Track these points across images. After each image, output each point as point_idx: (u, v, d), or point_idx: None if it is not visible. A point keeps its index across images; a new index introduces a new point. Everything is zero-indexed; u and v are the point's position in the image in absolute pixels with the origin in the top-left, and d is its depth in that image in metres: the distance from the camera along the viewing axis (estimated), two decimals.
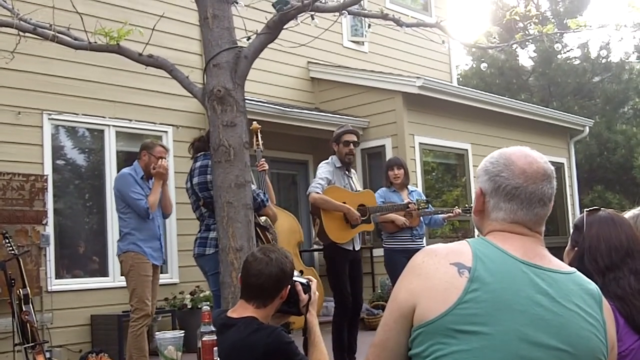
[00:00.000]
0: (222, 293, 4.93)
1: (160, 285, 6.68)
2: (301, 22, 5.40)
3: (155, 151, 6.30)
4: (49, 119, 8.21)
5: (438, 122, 11.30)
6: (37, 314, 7.11)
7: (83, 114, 8.51)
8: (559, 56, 20.76)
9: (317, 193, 6.37)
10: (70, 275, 8.42)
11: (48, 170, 8.09)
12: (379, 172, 9.43)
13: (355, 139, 6.61)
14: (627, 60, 20.85)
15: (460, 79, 19.69)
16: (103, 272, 8.58)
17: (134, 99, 8.96)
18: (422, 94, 10.74)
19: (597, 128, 17.71)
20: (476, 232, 2.26)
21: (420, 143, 11.00)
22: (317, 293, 3.22)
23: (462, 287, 1.72)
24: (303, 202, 11.27)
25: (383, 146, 10.86)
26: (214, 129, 4.93)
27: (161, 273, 6.84)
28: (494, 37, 19.51)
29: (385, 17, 5.76)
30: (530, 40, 18.70)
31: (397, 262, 6.83)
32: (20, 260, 6.60)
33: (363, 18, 9.29)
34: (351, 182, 6.69)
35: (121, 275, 8.31)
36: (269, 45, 5.23)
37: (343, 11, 5.55)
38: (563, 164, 14.20)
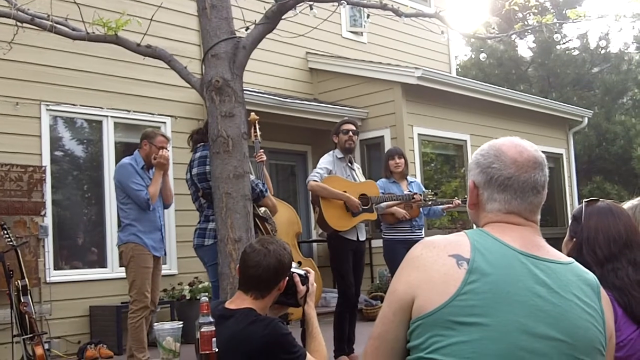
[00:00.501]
0: (220, 284, 4.93)
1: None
2: (300, 12, 5.39)
3: (156, 141, 6.26)
4: (47, 109, 8.19)
5: (437, 113, 11.29)
6: (36, 305, 7.12)
7: (81, 105, 8.49)
8: (558, 47, 20.73)
9: (315, 181, 6.39)
10: (68, 267, 8.42)
11: (46, 161, 8.08)
12: (378, 163, 9.43)
13: (354, 128, 6.66)
14: (626, 51, 20.82)
15: (459, 70, 19.66)
16: (102, 263, 8.58)
17: (132, 90, 8.94)
18: (421, 85, 10.72)
19: (596, 119, 17.70)
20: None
21: (419, 134, 10.99)
22: (315, 284, 3.21)
23: (460, 279, 1.72)
24: (302, 193, 11.27)
25: (382, 137, 10.85)
26: (213, 120, 4.93)
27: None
28: (493, 28, 19.44)
29: (384, 7, 5.75)
30: (530, 31, 18.66)
31: (396, 252, 6.83)
32: (19, 251, 6.60)
33: (362, 8, 9.27)
34: (354, 174, 6.71)
35: (120, 266, 8.38)
36: (267, 36, 5.23)
37: (342, 1, 5.54)
38: (562, 154, 14.20)
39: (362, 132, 10.88)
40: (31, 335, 6.34)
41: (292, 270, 3.14)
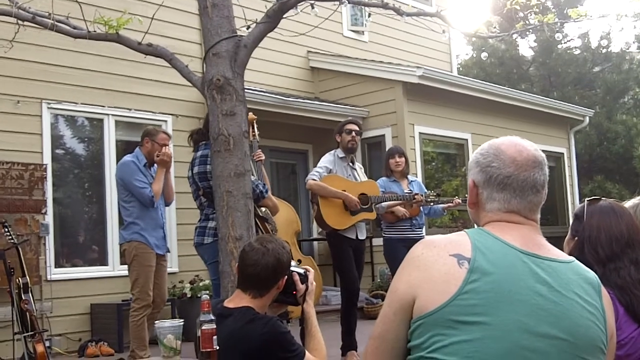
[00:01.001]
0: (221, 282, 4.93)
1: None
2: (301, 11, 5.39)
3: (158, 138, 6.25)
4: (48, 108, 8.20)
5: (438, 112, 11.29)
6: (37, 302, 7.12)
7: (82, 103, 8.50)
8: (559, 46, 20.72)
9: (314, 180, 6.41)
10: (69, 264, 8.43)
11: (47, 159, 8.09)
12: (379, 161, 9.43)
13: (357, 128, 6.68)
14: (627, 50, 20.82)
15: (461, 69, 19.66)
16: (102, 261, 8.59)
17: (133, 88, 8.95)
18: (422, 84, 10.72)
19: (597, 118, 17.70)
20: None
21: (420, 133, 10.99)
22: (314, 283, 3.21)
23: (461, 278, 1.72)
24: (302, 192, 11.27)
25: (383, 136, 10.85)
26: (214, 118, 4.93)
27: None
28: (495, 27, 19.45)
29: (385, 6, 5.74)
30: (531, 30, 18.65)
31: (396, 251, 6.84)
32: (20, 249, 6.60)
33: (363, 7, 9.27)
34: (355, 173, 6.71)
35: (121, 264, 8.39)
36: (268, 35, 5.22)
37: (343, 0, 5.53)
38: (563, 154, 14.20)
39: (363, 131, 10.89)
40: (32, 332, 6.34)
41: (292, 268, 3.14)
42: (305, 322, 3.18)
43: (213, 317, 2.71)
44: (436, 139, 11.68)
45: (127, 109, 8.90)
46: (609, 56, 20.54)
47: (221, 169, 4.89)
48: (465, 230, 1.85)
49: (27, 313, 6.36)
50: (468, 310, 1.69)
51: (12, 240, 6.57)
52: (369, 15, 6.82)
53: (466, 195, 2.02)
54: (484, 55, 21.79)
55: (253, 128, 6.43)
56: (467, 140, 11.90)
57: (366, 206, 6.57)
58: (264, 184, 5.53)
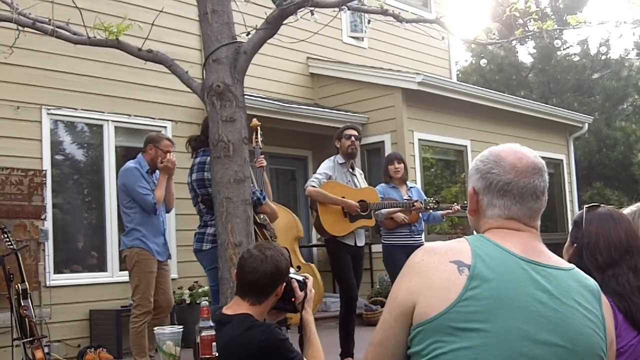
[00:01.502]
0: (220, 288, 4.93)
1: None
2: (301, 17, 5.40)
3: (162, 145, 6.25)
4: (47, 113, 8.20)
5: (437, 118, 11.30)
6: (36, 308, 7.12)
7: (82, 109, 8.50)
8: (558, 53, 20.74)
9: (313, 187, 6.42)
10: (68, 270, 8.41)
11: (47, 165, 8.08)
12: (378, 167, 9.43)
13: (357, 133, 6.69)
14: (626, 57, 20.83)
15: (460, 75, 19.68)
16: (102, 267, 8.58)
17: (133, 94, 8.95)
18: (422, 90, 10.73)
19: (597, 125, 17.71)
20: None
21: (419, 139, 11.00)
22: (313, 290, 3.21)
23: (462, 285, 1.72)
24: (302, 198, 11.27)
25: (382, 142, 10.86)
26: (213, 125, 4.93)
27: None
28: (494, 33, 19.45)
29: (384, 12, 5.76)
30: (530, 37, 18.66)
31: (396, 258, 6.83)
32: (19, 255, 6.60)
33: (363, 14, 9.28)
34: (355, 180, 6.72)
35: (121, 270, 8.40)
36: (268, 41, 5.23)
37: (343, 7, 5.55)
38: (562, 160, 14.20)
39: (362, 137, 10.86)
40: (31, 338, 6.34)
41: (290, 275, 3.13)
42: (303, 329, 3.17)
43: (212, 324, 2.71)
44: (435, 145, 11.69)
45: (127, 115, 8.90)
46: (608, 63, 20.56)
47: (221, 175, 4.89)
48: (465, 237, 1.85)
49: (26, 319, 6.36)
50: (468, 317, 1.69)
51: (12, 246, 6.57)
52: (369, 21, 6.82)
53: (465, 202, 2.02)
54: (483, 61, 21.81)
55: (257, 134, 6.45)
56: (466, 146, 11.90)
57: (365, 213, 6.57)
58: (261, 191, 5.54)
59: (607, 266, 2.48)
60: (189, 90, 5.33)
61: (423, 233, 7.50)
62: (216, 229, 5.04)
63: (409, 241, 7.03)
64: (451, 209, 7.51)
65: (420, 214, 7.26)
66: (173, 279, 8.75)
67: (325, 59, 11.69)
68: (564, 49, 21.25)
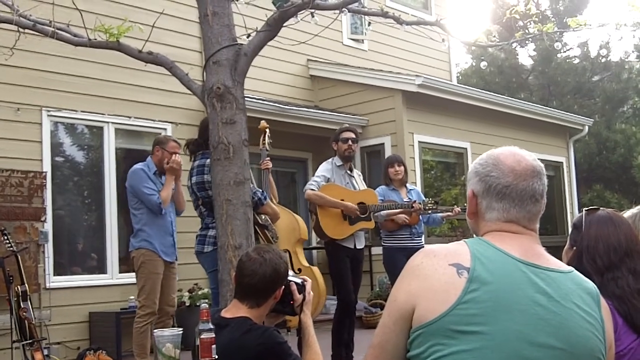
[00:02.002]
0: (220, 290, 4.93)
1: None
2: (301, 19, 5.39)
3: (168, 146, 6.32)
4: (48, 115, 8.20)
5: (437, 121, 11.30)
6: (36, 310, 7.11)
7: (82, 111, 8.50)
8: (558, 55, 20.75)
9: (312, 190, 6.40)
10: (68, 272, 8.40)
11: (47, 167, 8.09)
12: (378, 170, 9.43)
13: (354, 136, 6.67)
14: (626, 60, 20.84)
15: (460, 78, 19.68)
16: (101, 269, 8.57)
17: (133, 96, 8.95)
18: (422, 92, 10.73)
19: (597, 127, 17.71)
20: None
21: (419, 141, 11.00)
22: (311, 293, 3.21)
23: (461, 288, 1.72)
24: (302, 200, 11.25)
25: (382, 144, 10.86)
26: (214, 127, 4.93)
27: None
28: (494, 36, 19.46)
29: (385, 15, 5.75)
30: (530, 39, 18.67)
31: (396, 260, 6.84)
32: (19, 257, 6.60)
33: (363, 16, 9.29)
34: (353, 181, 6.70)
35: (120, 272, 8.43)
36: (268, 43, 5.23)
37: (343, 9, 5.54)
38: (562, 163, 14.20)
39: (362, 139, 10.88)
40: (31, 340, 6.34)
41: (289, 278, 3.13)
42: (302, 332, 3.17)
43: (212, 326, 2.71)
44: (435, 147, 11.69)
45: (127, 116, 8.90)
46: (608, 65, 20.56)
47: (221, 177, 4.89)
48: (464, 239, 1.86)
49: (26, 321, 6.35)
50: (467, 320, 1.69)
51: (11, 248, 6.56)
52: (369, 24, 6.84)
53: (465, 204, 2.03)
54: (483, 64, 21.82)
55: (264, 137, 6.46)
56: (466, 149, 11.90)
57: (364, 215, 6.57)
58: (263, 191, 5.53)
59: (606, 269, 2.48)
60: (189, 92, 5.33)
61: (423, 235, 7.50)
62: (216, 231, 5.04)
63: (409, 244, 7.03)
64: (451, 212, 7.51)
65: (420, 217, 7.26)
66: None
67: (326, 61, 11.69)
68: (564, 52, 21.27)
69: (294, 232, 6.43)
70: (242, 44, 5.08)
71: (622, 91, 19.57)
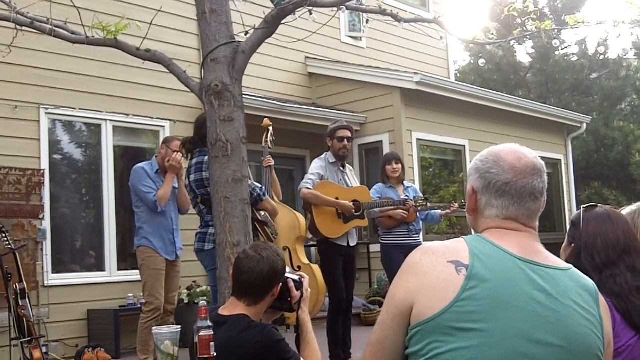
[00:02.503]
0: (219, 288, 4.93)
1: None
2: (299, 17, 5.39)
3: (172, 144, 6.40)
4: (46, 113, 8.19)
5: (436, 118, 11.30)
6: (34, 308, 7.11)
7: (80, 109, 8.50)
8: (556, 52, 20.73)
9: (308, 189, 6.40)
10: (66, 270, 8.40)
11: (45, 164, 8.08)
12: (376, 167, 9.43)
13: (349, 135, 6.65)
14: (624, 57, 20.83)
15: (458, 75, 19.67)
16: (100, 266, 8.57)
17: (131, 94, 8.94)
18: (420, 90, 10.74)
19: (595, 124, 17.72)
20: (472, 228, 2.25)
21: (417, 139, 11.00)
22: (309, 290, 3.21)
23: (459, 285, 1.72)
24: (300, 198, 11.26)
25: (380, 142, 10.86)
26: (212, 124, 4.92)
27: None
28: (492, 33, 19.45)
29: (383, 12, 5.75)
30: (528, 37, 18.64)
31: (393, 257, 6.84)
32: (17, 254, 6.59)
33: (361, 13, 9.28)
34: (346, 177, 6.70)
35: (118, 270, 8.47)
36: (266, 40, 5.22)
37: (341, 6, 5.55)
38: (560, 160, 14.21)
39: (360, 136, 10.91)
40: (29, 338, 6.34)
41: (287, 275, 3.13)
42: (300, 329, 3.17)
43: (210, 324, 2.71)
44: (434, 145, 11.69)
45: (125, 114, 8.89)
46: (606, 63, 20.55)
47: (219, 174, 4.88)
48: (463, 237, 1.86)
49: (24, 319, 6.35)
50: (466, 317, 1.69)
51: (10, 246, 6.56)
52: (367, 21, 6.84)
53: (463, 201, 2.03)
54: (481, 61, 21.79)
55: (268, 134, 6.46)
56: (464, 146, 11.91)
57: (358, 213, 6.57)
58: (262, 187, 5.53)
59: (604, 266, 2.48)
60: (187, 89, 5.32)
61: (421, 233, 7.50)
62: (214, 228, 5.04)
63: (407, 241, 7.03)
64: (449, 209, 7.51)
65: (418, 214, 7.27)
66: None
67: (324, 58, 11.69)
68: (562, 49, 21.26)
69: (294, 229, 6.42)
70: (240, 42, 5.08)
71: (620, 89, 19.57)
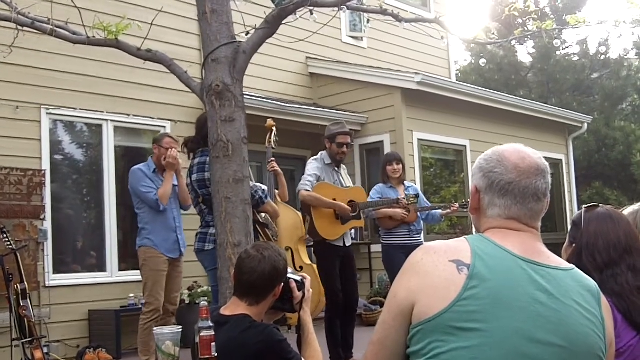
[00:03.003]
0: (220, 288, 4.93)
1: None
2: (300, 17, 5.39)
3: (163, 142, 6.40)
4: (47, 113, 8.20)
5: (437, 118, 11.30)
6: (35, 309, 7.11)
7: (81, 109, 8.50)
8: (557, 52, 20.74)
9: (307, 191, 6.40)
10: (68, 270, 8.40)
11: (46, 165, 8.08)
12: (377, 168, 9.43)
13: (349, 141, 6.67)
14: (625, 57, 20.83)
15: (459, 75, 19.66)
16: (101, 267, 8.57)
17: (132, 94, 8.95)
18: (421, 90, 10.73)
19: (596, 124, 17.71)
20: (474, 228, 2.25)
21: (418, 139, 11.00)
22: (311, 290, 3.21)
23: (461, 285, 1.72)
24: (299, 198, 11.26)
25: (381, 142, 10.86)
26: (213, 124, 4.92)
27: None
28: (493, 33, 19.45)
29: (384, 12, 5.75)
30: (529, 37, 18.65)
31: (394, 258, 6.84)
32: (18, 255, 6.59)
33: (362, 13, 9.28)
34: (340, 178, 6.72)
35: (119, 270, 8.46)
36: (267, 41, 5.22)
37: (342, 6, 5.54)
38: (561, 160, 14.20)
39: (361, 137, 10.92)
40: (30, 339, 6.34)
41: (289, 275, 3.13)
42: (301, 329, 3.17)
43: (211, 324, 2.71)
44: (435, 145, 11.69)
45: (126, 114, 8.89)
46: (607, 63, 20.55)
47: (220, 175, 4.88)
48: (465, 236, 1.86)
49: (26, 319, 6.35)
50: (467, 316, 1.69)
51: (11, 246, 6.56)
52: (368, 21, 6.84)
53: (463, 200, 2.03)
54: (482, 61, 21.80)
55: (271, 135, 6.46)
56: (465, 146, 11.90)
57: (354, 214, 6.58)
58: (264, 190, 5.53)
59: (606, 266, 2.48)
60: (188, 90, 5.33)
61: (422, 233, 7.49)
62: (215, 229, 5.04)
63: (408, 241, 7.03)
64: (450, 209, 7.50)
65: (418, 214, 7.27)
66: None
67: (325, 58, 11.69)
68: (563, 49, 21.26)
69: (296, 230, 6.42)
70: (241, 42, 5.08)
71: (621, 88, 19.57)
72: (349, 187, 6.76)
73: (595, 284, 1.87)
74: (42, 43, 7.25)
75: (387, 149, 10.38)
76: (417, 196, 7.17)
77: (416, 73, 10.85)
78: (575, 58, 20.89)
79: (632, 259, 2.49)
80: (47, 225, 7.96)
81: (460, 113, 11.62)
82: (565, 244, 2.69)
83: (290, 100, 10.82)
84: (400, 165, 7.32)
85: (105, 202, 8.60)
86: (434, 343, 1.70)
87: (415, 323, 1.74)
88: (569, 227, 2.73)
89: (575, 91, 20.45)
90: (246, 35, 5.26)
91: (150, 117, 9.11)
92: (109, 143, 8.75)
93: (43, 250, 7.87)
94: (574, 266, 1.88)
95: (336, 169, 6.69)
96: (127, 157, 9.13)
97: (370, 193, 7.32)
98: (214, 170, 4.93)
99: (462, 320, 1.69)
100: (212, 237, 5.28)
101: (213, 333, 2.70)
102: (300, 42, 7.64)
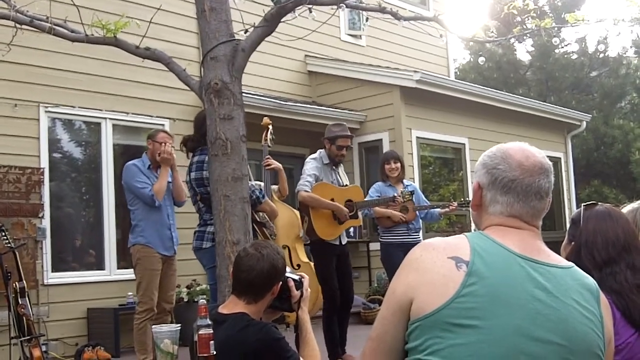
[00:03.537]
0: (218, 286, 4.93)
1: None
2: (299, 15, 5.38)
3: (157, 137, 6.33)
4: (45, 111, 8.19)
5: (435, 116, 11.30)
6: (34, 307, 7.10)
7: (80, 107, 8.49)
8: (556, 50, 20.74)
9: (306, 191, 6.40)
10: (66, 269, 8.39)
11: (44, 163, 8.07)
12: (376, 166, 9.43)
13: (350, 143, 6.69)
14: (624, 55, 20.84)
15: (458, 73, 19.67)
16: (99, 265, 8.57)
17: (130, 92, 8.94)
18: (420, 88, 10.73)
19: (595, 123, 17.72)
20: (473, 226, 2.26)
21: (417, 137, 11.00)
22: (309, 289, 3.21)
23: (459, 281, 1.72)
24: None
25: (380, 140, 10.86)
26: (211, 122, 4.92)
27: None
28: (492, 31, 19.45)
29: (382, 10, 5.74)
30: (528, 35, 18.71)
31: (393, 256, 6.85)
32: (17, 253, 6.59)
33: (361, 11, 9.27)
34: (338, 177, 6.74)
35: (118, 268, 8.44)
36: (266, 39, 5.22)
37: (341, 4, 5.53)
38: (560, 158, 14.21)
39: (360, 135, 10.92)
40: (29, 337, 6.33)
41: (287, 274, 3.13)
42: (299, 328, 3.17)
43: (210, 322, 2.71)
44: (433, 143, 11.69)
45: (125, 112, 8.89)
46: (606, 61, 20.56)
47: (218, 173, 4.88)
48: (464, 233, 1.86)
49: (24, 317, 6.34)
50: (465, 313, 1.69)
51: (9, 244, 6.55)
52: (367, 19, 6.85)
53: (462, 199, 2.03)
54: (481, 59, 21.80)
55: (267, 133, 6.45)
56: (464, 144, 11.90)
57: (352, 213, 6.59)
58: (261, 189, 5.53)
59: (604, 264, 2.48)
60: (186, 88, 5.32)
61: (421, 231, 7.50)
62: (214, 227, 5.03)
63: (406, 239, 7.04)
64: (448, 208, 7.51)
65: (417, 212, 7.27)
66: None
67: (323, 56, 11.68)
68: (562, 47, 21.26)
69: (293, 228, 6.42)
70: (239, 40, 5.07)
71: (620, 87, 19.58)
72: (346, 186, 6.77)
73: (595, 282, 1.88)
74: (41, 41, 7.24)
75: (386, 147, 10.38)
76: (412, 193, 7.16)
77: (415, 71, 10.85)
78: (574, 56, 20.89)
79: (630, 256, 2.50)
80: (46, 223, 7.95)
81: (459, 111, 11.62)
82: (564, 242, 2.69)
83: (289, 99, 10.81)
84: (398, 164, 7.32)
85: (104, 200, 8.59)
86: (432, 339, 1.70)
87: (413, 319, 1.75)
88: (568, 225, 2.73)
89: (574, 89, 20.46)
90: (245, 33, 5.25)
91: (149, 115, 9.10)
92: (108, 141, 8.74)
93: (41, 248, 7.87)
94: (573, 264, 1.88)
95: (334, 167, 6.70)
96: (126, 155, 9.10)
97: (369, 191, 7.34)
98: (213, 168, 4.92)
99: (460, 316, 1.69)
100: (209, 236, 5.28)
101: (211, 331, 2.70)
102: (299, 40, 7.63)
